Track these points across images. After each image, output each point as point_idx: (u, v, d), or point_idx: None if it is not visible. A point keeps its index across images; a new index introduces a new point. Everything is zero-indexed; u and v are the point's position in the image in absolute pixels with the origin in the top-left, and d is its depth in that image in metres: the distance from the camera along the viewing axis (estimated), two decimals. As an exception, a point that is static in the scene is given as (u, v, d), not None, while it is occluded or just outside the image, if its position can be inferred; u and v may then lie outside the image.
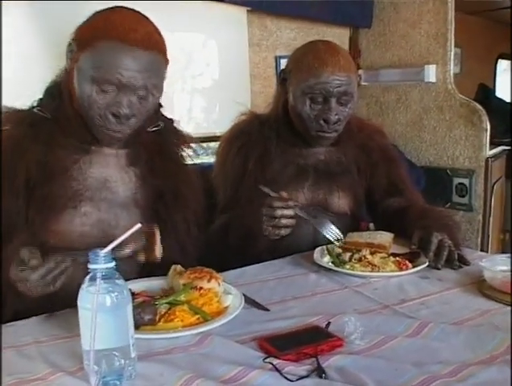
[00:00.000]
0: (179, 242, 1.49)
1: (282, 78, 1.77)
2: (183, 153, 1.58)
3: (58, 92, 1.38)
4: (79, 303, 0.90)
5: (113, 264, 0.89)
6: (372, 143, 1.87)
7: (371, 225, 2.24)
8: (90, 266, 0.89)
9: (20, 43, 1.86)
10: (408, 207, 1.75)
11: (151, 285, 1.28)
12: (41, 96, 1.41)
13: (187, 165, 1.59)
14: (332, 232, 1.59)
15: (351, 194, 1.83)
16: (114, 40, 1.24)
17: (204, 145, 2.36)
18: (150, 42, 1.28)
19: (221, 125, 2.33)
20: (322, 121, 1.66)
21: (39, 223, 1.29)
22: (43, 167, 1.31)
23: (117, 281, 0.90)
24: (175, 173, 1.52)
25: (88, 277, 0.90)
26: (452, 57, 2.64)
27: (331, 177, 1.79)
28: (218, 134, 2.36)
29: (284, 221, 1.46)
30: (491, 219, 2.57)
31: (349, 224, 1.82)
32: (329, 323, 1.10)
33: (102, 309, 0.88)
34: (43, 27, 1.90)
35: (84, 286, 0.90)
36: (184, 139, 1.57)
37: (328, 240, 1.59)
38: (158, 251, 1.29)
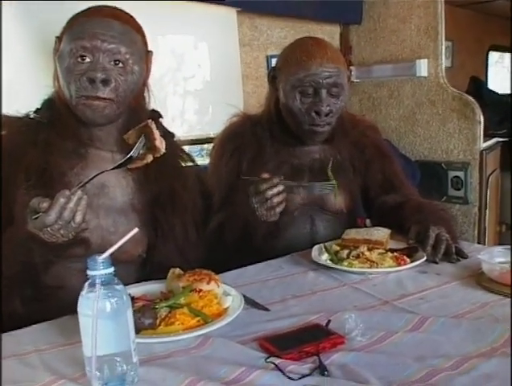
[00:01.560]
0: (178, 246, 1.49)
1: (272, 76, 1.77)
2: (178, 156, 1.58)
3: (54, 102, 1.41)
4: (79, 310, 0.90)
5: (111, 269, 0.89)
6: (365, 140, 1.87)
7: (368, 221, 2.25)
8: (89, 272, 0.89)
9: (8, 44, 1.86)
10: (404, 203, 1.75)
11: (151, 289, 1.28)
12: (38, 107, 1.43)
13: (183, 167, 1.59)
14: (324, 186, 1.60)
15: (347, 191, 1.83)
16: (86, 17, 1.34)
17: (198, 146, 2.37)
18: (122, 16, 1.37)
19: (215, 126, 2.33)
20: (314, 114, 1.66)
21: None
22: (42, 173, 1.32)
23: (116, 286, 0.90)
24: (171, 176, 1.51)
25: (87, 283, 0.89)
26: (444, 51, 2.65)
27: (326, 175, 1.79)
28: (212, 136, 2.37)
29: (276, 199, 1.45)
30: (487, 211, 2.59)
31: (346, 222, 1.82)
32: (329, 321, 1.10)
33: (102, 315, 0.87)
34: (30, 28, 1.90)
35: (83, 292, 0.90)
36: (182, 153, 1.58)
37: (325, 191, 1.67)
38: (160, 143, 1.25)
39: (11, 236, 1.20)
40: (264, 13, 2.58)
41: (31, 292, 1.25)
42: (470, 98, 2.57)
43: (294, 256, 1.62)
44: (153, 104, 1.52)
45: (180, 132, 2.21)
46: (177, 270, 1.29)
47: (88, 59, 1.31)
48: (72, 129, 1.37)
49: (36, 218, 1.12)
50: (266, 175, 1.47)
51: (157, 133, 1.21)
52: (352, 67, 2.92)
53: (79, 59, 1.30)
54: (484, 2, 3.31)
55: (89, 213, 1.32)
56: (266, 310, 1.23)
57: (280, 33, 2.70)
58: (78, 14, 1.36)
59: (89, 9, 1.37)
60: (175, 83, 2.24)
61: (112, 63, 1.32)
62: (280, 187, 1.45)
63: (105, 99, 1.32)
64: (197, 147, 2.40)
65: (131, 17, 1.41)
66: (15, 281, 1.21)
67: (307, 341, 1.02)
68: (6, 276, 1.19)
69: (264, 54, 2.66)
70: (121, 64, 1.33)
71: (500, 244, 2.49)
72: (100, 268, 0.88)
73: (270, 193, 1.44)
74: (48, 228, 1.12)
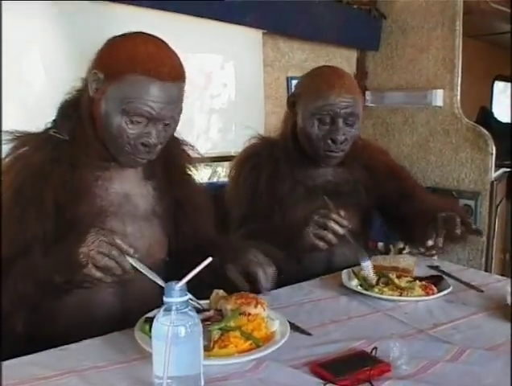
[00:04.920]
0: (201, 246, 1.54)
1: (292, 102, 1.86)
2: (190, 164, 1.62)
3: (73, 113, 1.40)
4: (153, 334, 0.94)
5: (187, 297, 0.93)
6: (376, 162, 1.95)
7: (380, 244, 2.30)
8: (165, 299, 0.93)
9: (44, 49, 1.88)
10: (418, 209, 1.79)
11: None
12: (55, 118, 1.43)
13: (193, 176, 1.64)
14: (368, 268, 1.62)
15: (360, 213, 1.90)
16: (143, 74, 1.27)
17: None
18: (177, 74, 1.33)
19: (237, 144, 2.38)
20: (330, 141, 1.75)
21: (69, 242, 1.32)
22: (69, 188, 1.35)
23: (189, 312, 0.94)
24: (187, 183, 1.59)
25: (162, 308, 0.93)
26: (459, 82, 2.73)
27: (340, 197, 1.84)
28: (233, 154, 2.42)
29: (330, 236, 1.52)
30: (495, 240, 2.66)
31: (359, 243, 1.88)
32: (376, 349, 1.15)
33: (177, 340, 0.91)
34: (66, 34, 1.93)
35: (158, 317, 0.93)
36: (187, 148, 1.60)
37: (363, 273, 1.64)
38: None
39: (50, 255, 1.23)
40: (287, 35, 2.64)
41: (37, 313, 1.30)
42: (484, 130, 2.65)
43: (322, 280, 1.67)
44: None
45: (204, 149, 2.27)
46: (220, 291, 1.33)
47: (142, 124, 1.31)
48: (98, 150, 1.39)
49: None
50: (342, 212, 1.54)
51: None
52: (367, 92, 2.99)
53: (133, 119, 1.30)
54: (493, 34, 3.42)
55: (116, 221, 1.39)
56: (309, 334, 1.27)
57: (301, 55, 2.77)
58: (128, 63, 1.29)
59: (139, 50, 1.30)
60: (202, 100, 2.29)
61: (162, 125, 1.34)
62: (342, 231, 1.53)
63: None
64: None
65: (180, 64, 1.36)
66: (26, 298, 1.23)
67: (358, 368, 1.06)
68: (18, 292, 1.21)
69: (285, 75, 2.72)
70: (169, 122, 1.35)
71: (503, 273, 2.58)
72: (176, 296, 0.92)
73: (332, 225, 1.52)
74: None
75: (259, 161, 1.86)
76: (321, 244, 1.54)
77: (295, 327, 1.29)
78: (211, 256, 1.02)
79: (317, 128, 1.76)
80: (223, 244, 1.48)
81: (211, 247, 1.43)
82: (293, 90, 1.91)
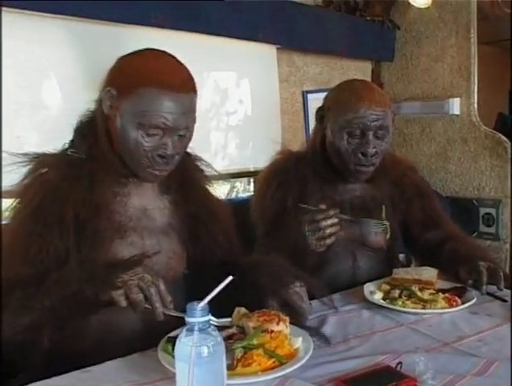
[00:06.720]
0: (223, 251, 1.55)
1: (320, 115, 1.84)
2: (205, 179, 1.63)
3: (89, 132, 1.43)
4: (176, 354, 0.94)
5: (208, 317, 0.93)
6: (406, 179, 1.94)
7: (401, 256, 2.29)
8: (187, 319, 0.92)
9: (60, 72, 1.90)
10: (446, 240, 1.80)
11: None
12: (71, 138, 1.45)
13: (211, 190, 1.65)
14: (377, 224, 1.66)
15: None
16: (155, 87, 1.31)
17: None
18: (188, 85, 1.37)
19: (255, 160, 2.40)
20: (360, 155, 1.73)
21: (90, 257, 1.33)
22: (88, 204, 1.36)
23: (212, 331, 0.93)
24: (204, 197, 1.59)
25: (184, 328, 0.93)
26: (476, 90, 2.72)
27: (366, 212, 1.84)
28: (252, 170, 2.43)
29: (328, 230, 1.53)
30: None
31: (386, 258, 1.87)
32: (401, 363, 1.13)
33: (200, 360, 0.91)
34: (82, 56, 1.95)
35: (180, 337, 0.93)
36: (202, 166, 1.62)
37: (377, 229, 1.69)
38: None
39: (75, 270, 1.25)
40: (301, 50, 2.65)
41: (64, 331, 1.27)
42: (503, 137, 2.63)
43: (343, 295, 1.66)
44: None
45: (222, 165, 2.28)
46: (242, 309, 1.33)
47: (158, 136, 1.34)
48: (116, 166, 1.42)
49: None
50: (323, 206, 1.56)
51: None
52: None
53: (148, 132, 1.33)
54: (507, 39, 3.38)
55: (135, 235, 1.41)
56: (328, 343, 1.27)
57: (315, 69, 2.77)
58: (140, 78, 1.32)
59: (149, 64, 1.34)
60: (219, 118, 2.30)
61: (177, 136, 1.36)
62: (334, 220, 1.54)
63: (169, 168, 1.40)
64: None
65: (190, 76, 1.39)
66: (55, 313, 1.21)
67: (383, 383, 1.05)
68: (46, 307, 1.20)
69: (300, 89, 2.72)
70: (184, 133, 1.38)
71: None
72: (198, 316, 0.92)
73: (323, 223, 1.53)
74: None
75: (287, 178, 1.84)
76: (326, 241, 1.56)
77: (321, 335, 1.29)
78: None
79: (347, 141, 1.74)
80: (259, 271, 1.44)
81: (241, 266, 1.44)
82: (322, 103, 1.87)
